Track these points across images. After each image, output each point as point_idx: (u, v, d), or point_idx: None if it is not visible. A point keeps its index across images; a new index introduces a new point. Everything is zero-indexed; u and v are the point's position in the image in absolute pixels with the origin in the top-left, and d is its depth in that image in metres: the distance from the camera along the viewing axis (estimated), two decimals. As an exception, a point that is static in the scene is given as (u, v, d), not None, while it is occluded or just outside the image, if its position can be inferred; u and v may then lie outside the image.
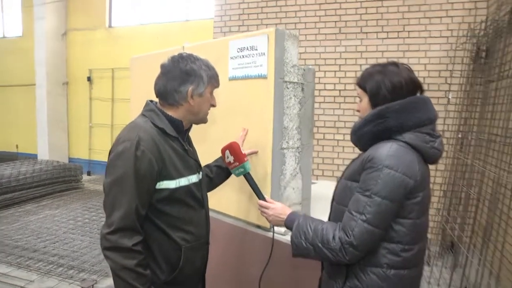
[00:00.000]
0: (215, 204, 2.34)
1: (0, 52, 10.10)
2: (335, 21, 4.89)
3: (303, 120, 2.06)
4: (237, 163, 1.71)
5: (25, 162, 7.35)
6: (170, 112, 1.51)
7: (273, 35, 1.88)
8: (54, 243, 4.66)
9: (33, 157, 8.91)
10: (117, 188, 1.34)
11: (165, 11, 8.21)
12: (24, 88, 9.66)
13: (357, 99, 1.52)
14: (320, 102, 4.94)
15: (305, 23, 5.03)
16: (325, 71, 4.95)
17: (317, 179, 4.88)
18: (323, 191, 2.71)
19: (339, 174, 4.90)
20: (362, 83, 1.45)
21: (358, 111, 1.51)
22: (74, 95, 9.28)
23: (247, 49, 2.01)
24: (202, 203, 1.60)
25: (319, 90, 4.94)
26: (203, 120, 1.62)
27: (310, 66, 2.10)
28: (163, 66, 1.51)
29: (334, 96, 4.90)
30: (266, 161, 1.94)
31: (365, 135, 1.41)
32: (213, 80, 1.56)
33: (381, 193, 1.27)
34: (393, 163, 1.27)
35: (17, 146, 10.08)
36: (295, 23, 5.07)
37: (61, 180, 7.17)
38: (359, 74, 1.50)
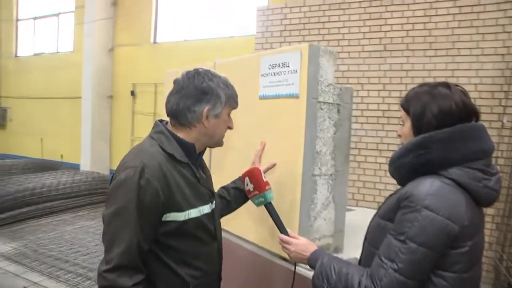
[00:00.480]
0: (235, 228, 2.19)
1: (53, 67, 10.57)
2: (380, 38, 4.66)
3: (338, 145, 1.87)
4: (257, 192, 1.55)
5: (66, 172, 7.55)
6: (182, 134, 1.36)
7: (306, 50, 1.73)
8: (85, 255, 4.67)
9: (76, 167, 9.17)
10: (117, 220, 1.20)
11: (210, 27, 8.28)
12: (71, 100, 10.02)
13: (400, 122, 1.33)
14: (362, 123, 4.70)
15: (349, 40, 4.84)
16: (368, 90, 4.71)
17: (357, 204, 4.61)
18: (361, 221, 2.49)
19: (381, 199, 4.63)
20: (405, 104, 1.26)
21: (399, 136, 1.32)
22: (118, 109, 9.50)
23: (279, 66, 1.87)
24: (215, 236, 1.44)
25: (362, 110, 4.70)
26: (218, 143, 1.46)
27: (348, 86, 1.92)
28: (176, 82, 1.38)
29: (377, 117, 4.65)
30: (295, 189, 1.76)
31: (404, 167, 1.21)
32: (232, 101, 1.41)
33: (418, 239, 1.06)
34: (434, 204, 1.07)
35: (62, 156, 10.43)
36: (338, 40, 4.88)
37: (99, 192, 7.29)
38: (404, 94, 1.31)
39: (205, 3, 8.33)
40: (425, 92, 1.21)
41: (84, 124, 9.30)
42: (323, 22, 4.99)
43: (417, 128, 1.20)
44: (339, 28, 4.89)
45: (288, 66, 1.81)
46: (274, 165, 1.83)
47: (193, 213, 1.31)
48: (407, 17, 4.53)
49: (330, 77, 1.81)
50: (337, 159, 1.86)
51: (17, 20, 11.46)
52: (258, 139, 2.00)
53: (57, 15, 10.44)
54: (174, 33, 8.79)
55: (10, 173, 8.37)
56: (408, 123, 1.25)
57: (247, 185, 1.59)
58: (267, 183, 1.56)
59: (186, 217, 1.29)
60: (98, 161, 9.34)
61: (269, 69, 1.93)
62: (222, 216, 1.64)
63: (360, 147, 4.71)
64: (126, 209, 1.19)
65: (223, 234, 2.06)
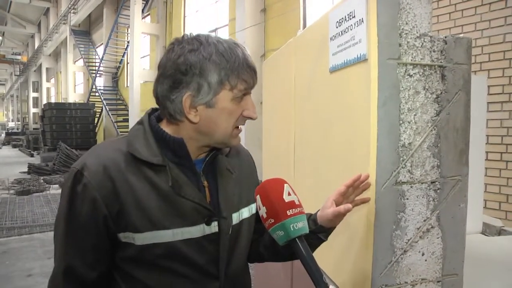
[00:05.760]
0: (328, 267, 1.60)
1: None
2: None
3: (446, 133, 1.14)
4: (273, 220, 0.84)
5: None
6: (170, 130, 0.93)
7: (374, -16, 1.09)
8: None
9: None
10: (55, 235, 0.93)
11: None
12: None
13: None
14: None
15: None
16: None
17: (506, 217, 3.34)
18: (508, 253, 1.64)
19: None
20: None
21: None
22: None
23: (345, 19, 1.26)
24: (215, 274, 0.95)
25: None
26: (226, 142, 0.95)
27: (461, 35, 1.17)
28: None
29: None
30: (367, 206, 1.12)
31: None
32: (235, 76, 0.88)
33: None
34: None
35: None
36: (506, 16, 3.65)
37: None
38: None
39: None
40: None
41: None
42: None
43: None
44: None
45: (354, 16, 1.19)
46: (362, 178, 1.06)
47: (161, 236, 0.88)
48: None
49: (424, 23, 1.12)
50: (443, 157, 1.14)
51: (184, 39, 12.85)
52: (329, 132, 1.42)
53: (214, 30, 11.17)
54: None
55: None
56: None
57: (259, 208, 0.90)
58: (292, 205, 0.85)
59: (146, 241, 0.88)
60: (252, 166, 9.52)
61: (337, 27, 1.33)
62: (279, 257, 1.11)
63: (509, 142, 3.42)
64: (58, 222, 0.92)
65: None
